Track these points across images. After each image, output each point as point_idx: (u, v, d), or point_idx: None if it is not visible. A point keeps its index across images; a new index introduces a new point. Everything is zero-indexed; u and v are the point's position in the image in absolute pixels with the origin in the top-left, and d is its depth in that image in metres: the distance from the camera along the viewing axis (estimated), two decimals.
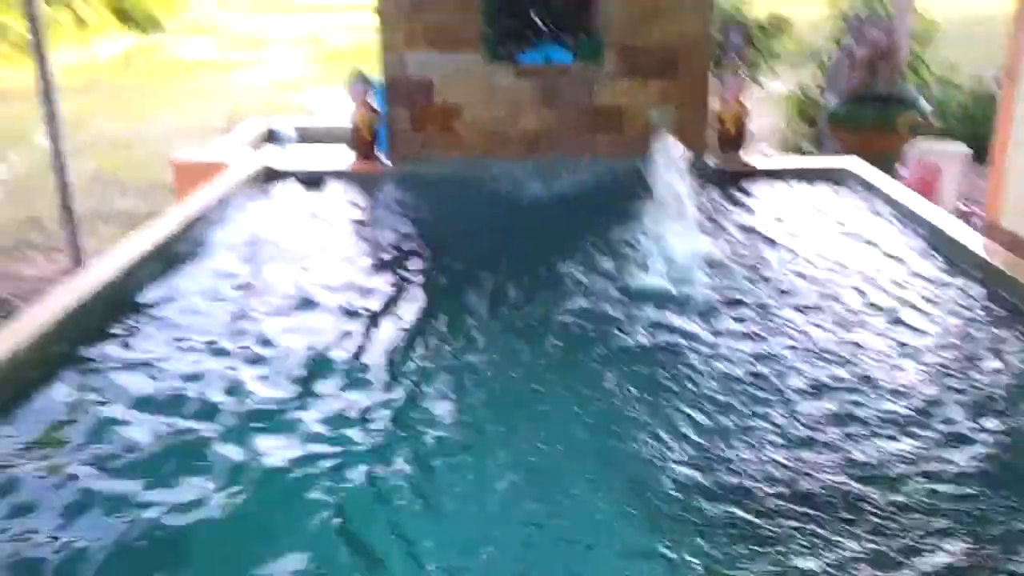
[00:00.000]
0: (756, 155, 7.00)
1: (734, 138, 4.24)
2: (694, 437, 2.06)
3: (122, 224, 7.21)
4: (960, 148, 6.23)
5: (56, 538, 1.69)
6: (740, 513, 1.78)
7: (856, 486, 1.86)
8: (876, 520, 1.76)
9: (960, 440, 2.04)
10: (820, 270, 3.07)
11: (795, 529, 1.74)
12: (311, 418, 2.13)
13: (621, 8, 4.11)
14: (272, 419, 2.13)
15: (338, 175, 4.18)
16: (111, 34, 19.28)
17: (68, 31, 17.58)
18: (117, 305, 2.67)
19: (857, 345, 2.50)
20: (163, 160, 9.85)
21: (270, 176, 4.13)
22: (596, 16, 4.12)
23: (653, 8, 4.11)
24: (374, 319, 2.70)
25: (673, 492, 1.86)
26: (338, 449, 2.01)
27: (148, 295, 2.80)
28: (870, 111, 6.35)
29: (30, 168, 8.84)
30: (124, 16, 20.55)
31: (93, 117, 12.14)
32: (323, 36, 20.51)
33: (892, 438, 2.05)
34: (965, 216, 6.14)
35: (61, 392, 2.22)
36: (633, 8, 4.11)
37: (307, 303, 2.81)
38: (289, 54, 17.99)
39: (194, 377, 2.29)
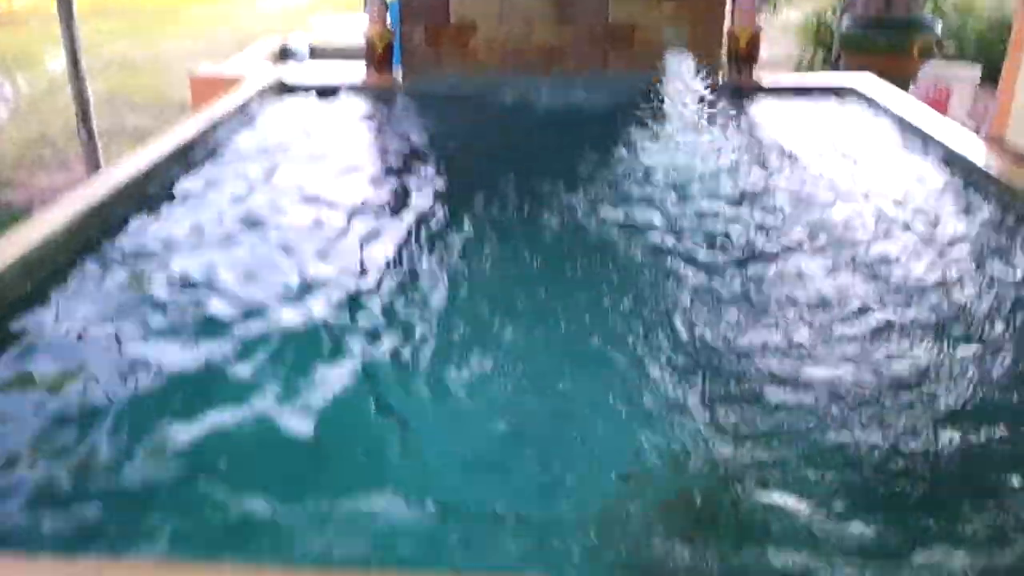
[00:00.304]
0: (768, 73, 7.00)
1: (746, 56, 4.25)
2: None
3: (134, 141, 7.29)
4: (971, 70, 6.19)
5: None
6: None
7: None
8: None
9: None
10: (828, 180, 3.13)
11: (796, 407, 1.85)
12: (314, 304, 2.23)
13: None
14: (276, 305, 2.23)
15: (351, 89, 4.22)
16: None
17: None
18: (137, 201, 2.77)
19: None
20: (174, 82, 9.87)
21: (284, 89, 4.18)
22: None
23: None
24: (380, 220, 2.80)
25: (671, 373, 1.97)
26: (336, 334, 2.11)
27: (165, 194, 2.89)
28: (885, 35, 6.31)
29: (38, 90, 8.88)
30: None
31: (105, 40, 12.09)
32: None
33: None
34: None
35: (90, 277, 2.33)
36: None
37: (315, 201, 2.90)
38: None
39: (208, 266, 2.40)
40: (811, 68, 8.31)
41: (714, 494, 1.59)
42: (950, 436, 1.74)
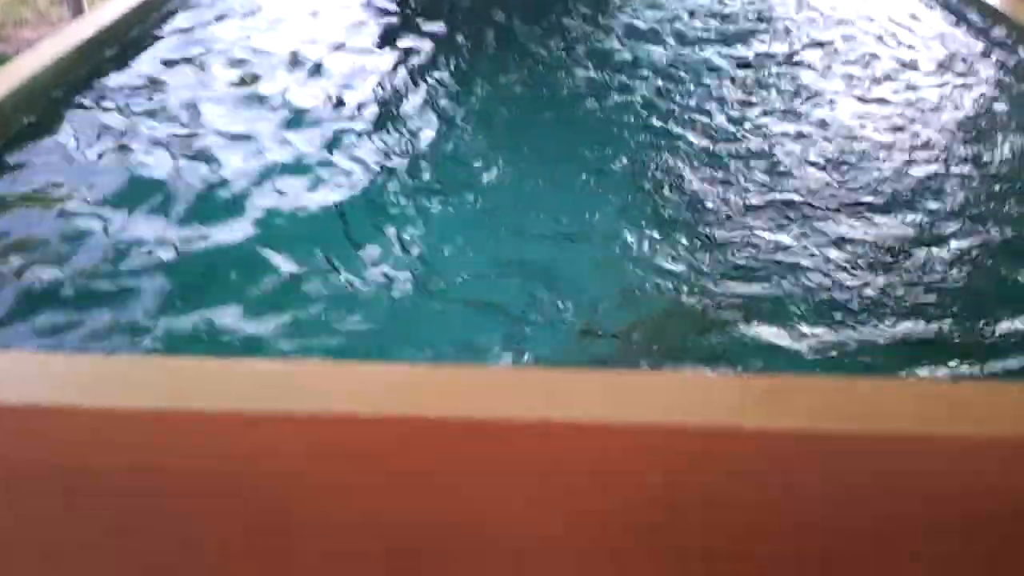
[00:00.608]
0: None
1: None
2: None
3: None
4: None
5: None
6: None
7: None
8: None
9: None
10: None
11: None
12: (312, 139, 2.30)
13: None
14: (273, 141, 2.28)
15: None
16: None
17: None
18: (121, 45, 2.75)
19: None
20: None
21: None
22: None
23: None
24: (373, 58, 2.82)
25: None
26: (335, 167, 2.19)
27: (152, 38, 2.87)
28: None
29: None
30: None
31: None
32: None
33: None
34: None
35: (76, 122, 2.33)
36: None
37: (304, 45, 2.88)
38: None
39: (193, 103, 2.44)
40: None
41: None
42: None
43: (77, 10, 4.17)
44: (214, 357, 1.28)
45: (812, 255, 1.78)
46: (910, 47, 2.84)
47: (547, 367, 1.45)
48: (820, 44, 2.90)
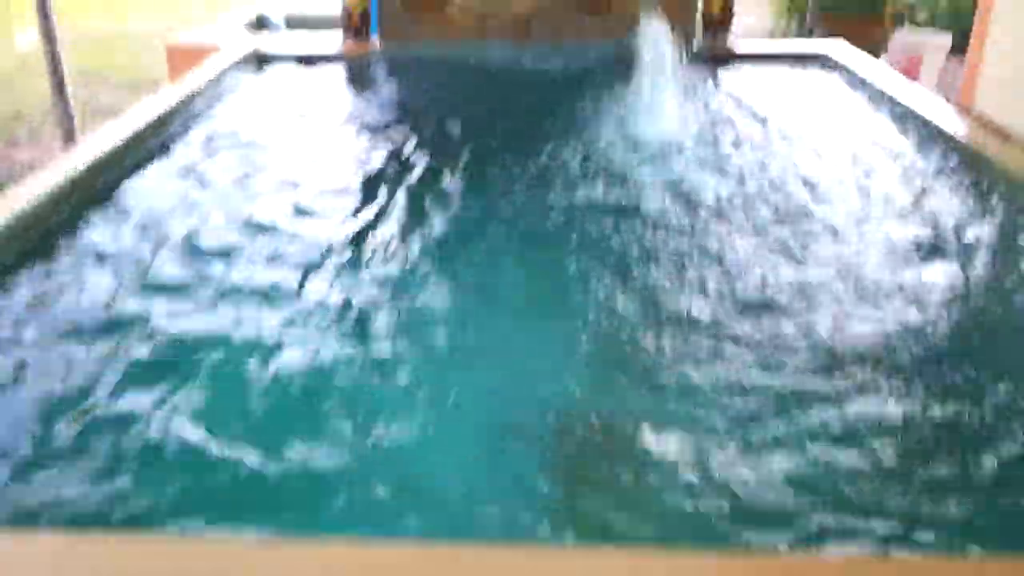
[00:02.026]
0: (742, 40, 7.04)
1: (720, 22, 4.29)
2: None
3: (109, 118, 7.23)
4: (942, 38, 6.28)
5: None
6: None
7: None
8: None
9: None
10: (795, 145, 3.20)
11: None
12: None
13: None
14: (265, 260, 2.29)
15: (329, 57, 4.23)
16: None
17: None
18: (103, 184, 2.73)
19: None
20: (149, 58, 9.74)
21: (261, 58, 4.18)
22: None
23: None
24: (365, 190, 2.84)
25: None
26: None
27: (136, 175, 2.85)
28: (857, 1, 6.37)
29: (8, 65, 8.77)
30: None
31: (78, 15, 11.90)
32: None
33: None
34: None
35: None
36: None
37: (297, 177, 2.90)
38: None
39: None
40: (785, 36, 8.36)
41: None
42: None
43: (68, 136, 4.21)
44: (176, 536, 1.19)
45: None
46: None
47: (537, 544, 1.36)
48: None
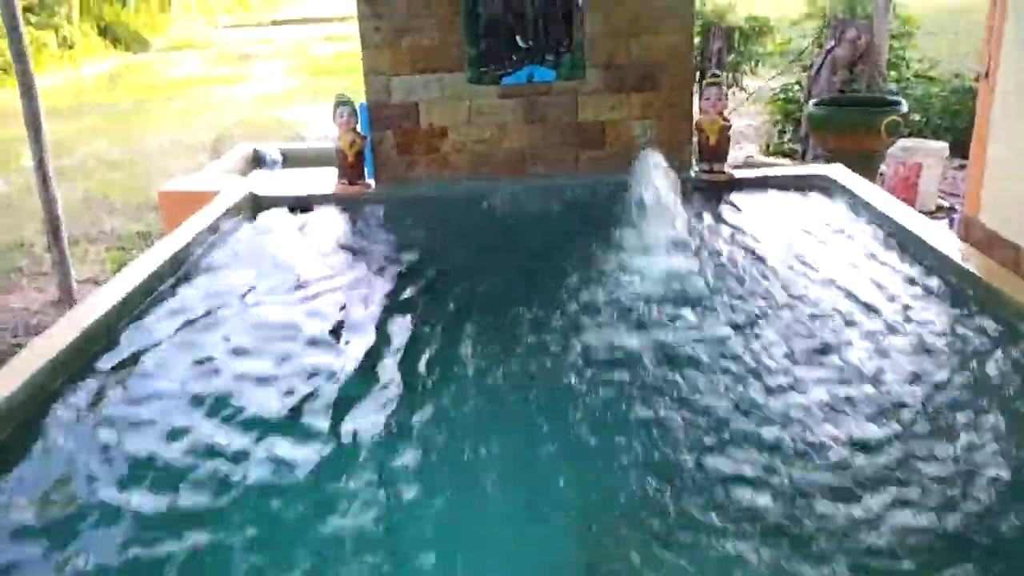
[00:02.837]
0: (743, 159, 7.10)
1: (716, 149, 4.28)
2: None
3: (111, 245, 7.26)
4: (939, 146, 6.33)
5: None
6: None
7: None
8: None
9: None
10: (796, 277, 3.14)
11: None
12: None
13: (602, 25, 4.16)
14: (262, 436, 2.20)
15: (324, 199, 4.22)
16: (97, 55, 19.28)
17: (54, 53, 17.60)
18: (99, 350, 2.70)
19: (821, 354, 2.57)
20: (153, 180, 9.88)
21: (256, 204, 4.17)
22: (577, 33, 4.17)
23: (634, 24, 4.16)
24: (362, 341, 2.76)
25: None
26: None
27: (132, 334, 2.82)
28: (851, 114, 6.43)
29: (17, 190, 8.89)
30: (110, 37, 20.60)
31: (80, 138, 12.16)
32: (307, 48, 20.54)
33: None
34: (946, 211, 6.24)
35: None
36: (614, 25, 4.16)
37: (295, 329, 2.85)
38: (274, 68, 18.01)
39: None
40: (781, 143, 8.44)
41: None
42: None
43: (65, 289, 4.18)
44: None
45: None
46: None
47: None
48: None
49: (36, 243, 6.91)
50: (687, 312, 2.90)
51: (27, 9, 16.62)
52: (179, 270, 3.33)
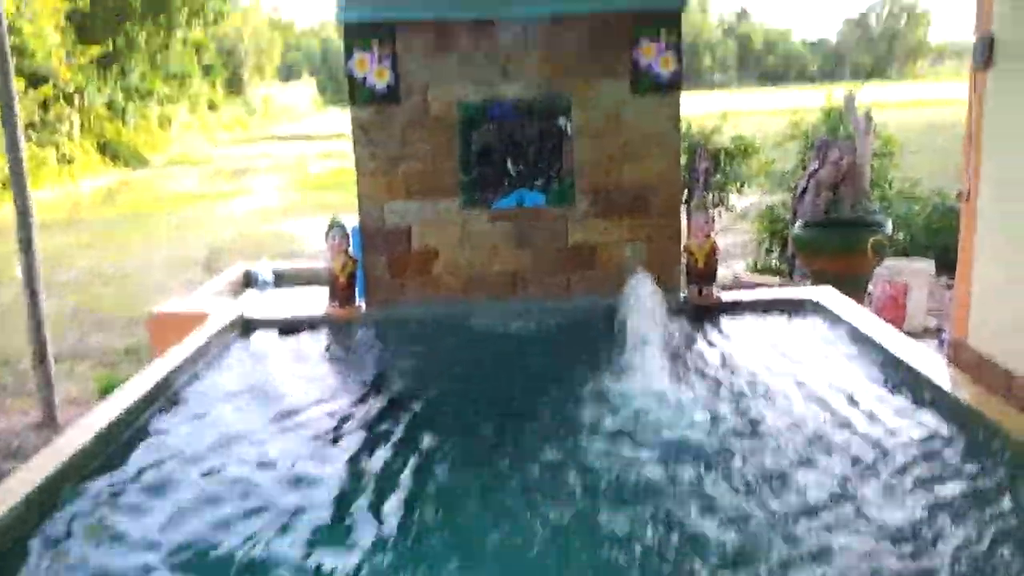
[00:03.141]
0: (731, 277, 7.16)
1: (704, 272, 4.32)
2: None
3: (98, 361, 7.21)
4: (925, 265, 6.43)
5: None
6: None
7: None
8: None
9: None
10: (781, 405, 3.11)
11: None
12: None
13: (591, 152, 4.26)
14: None
15: (315, 322, 4.21)
16: (96, 171, 19.66)
17: (53, 168, 17.93)
18: (84, 480, 2.64)
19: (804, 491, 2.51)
20: (143, 295, 9.89)
21: (247, 326, 4.16)
22: (567, 160, 4.26)
23: (623, 150, 4.27)
24: (354, 469, 2.72)
25: None
26: None
27: (117, 467, 2.75)
28: (837, 236, 6.53)
29: (5, 302, 8.89)
30: (110, 153, 21.06)
31: (74, 252, 12.24)
32: (305, 164, 21.02)
33: None
34: (934, 331, 6.27)
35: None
36: (603, 151, 4.27)
37: (286, 458, 2.80)
38: (271, 183, 18.37)
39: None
40: (768, 261, 8.55)
41: None
42: None
43: (48, 413, 4.12)
44: None
45: None
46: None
47: None
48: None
49: (23, 357, 6.86)
50: (663, 443, 2.86)
51: (29, 125, 17.08)
52: (164, 398, 3.28)
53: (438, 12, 4.13)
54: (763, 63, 79.73)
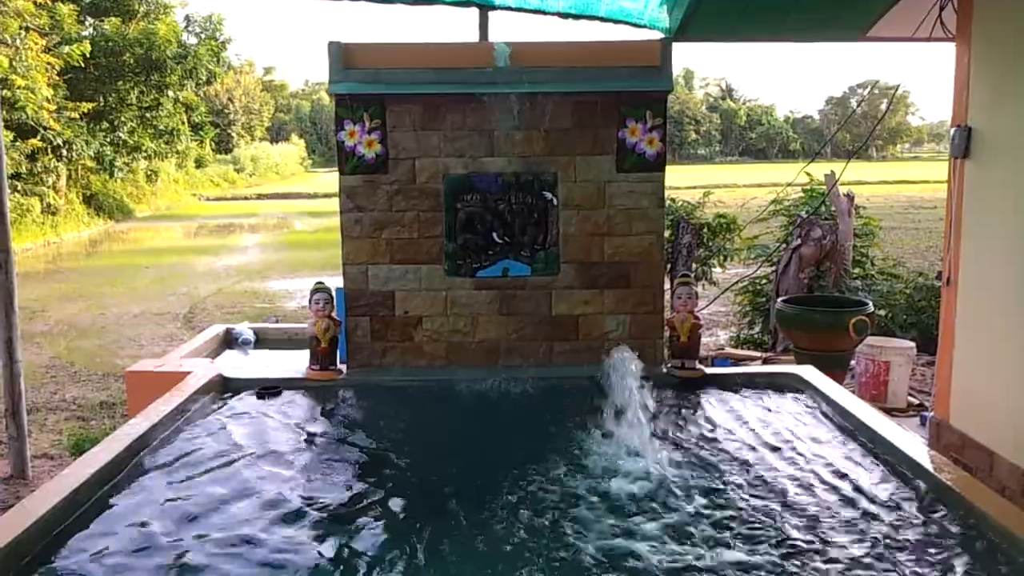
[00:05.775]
0: (715, 348, 7.18)
1: (687, 347, 4.33)
2: None
3: (71, 414, 7.08)
4: (906, 345, 6.48)
5: None
6: None
7: None
8: None
9: None
10: (762, 482, 3.08)
11: None
12: None
13: (577, 224, 4.29)
14: None
15: (294, 385, 4.16)
16: (80, 222, 19.62)
17: (36, 218, 17.88)
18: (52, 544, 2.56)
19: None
20: (121, 348, 9.77)
21: (225, 387, 4.10)
22: (552, 232, 4.29)
23: (608, 224, 4.30)
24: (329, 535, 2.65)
25: None
26: None
27: (87, 533, 2.67)
28: (819, 314, 6.57)
29: None
30: (94, 205, 21.04)
31: (53, 303, 12.13)
32: (289, 222, 21.08)
33: None
34: (916, 408, 6.29)
35: None
36: (589, 224, 4.30)
37: (262, 522, 2.72)
38: (254, 240, 18.38)
39: None
40: (751, 335, 8.59)
41: None
42: None
43: (19, 467, 4.03)
44: None
45: None
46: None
47: None
48: None
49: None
50: (640, 516, 2.82)
51: (14, 176, 17.06)
52: (136, 461, 3.21)
53: (427, 88, 4.19)
54: (746, 138, 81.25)
